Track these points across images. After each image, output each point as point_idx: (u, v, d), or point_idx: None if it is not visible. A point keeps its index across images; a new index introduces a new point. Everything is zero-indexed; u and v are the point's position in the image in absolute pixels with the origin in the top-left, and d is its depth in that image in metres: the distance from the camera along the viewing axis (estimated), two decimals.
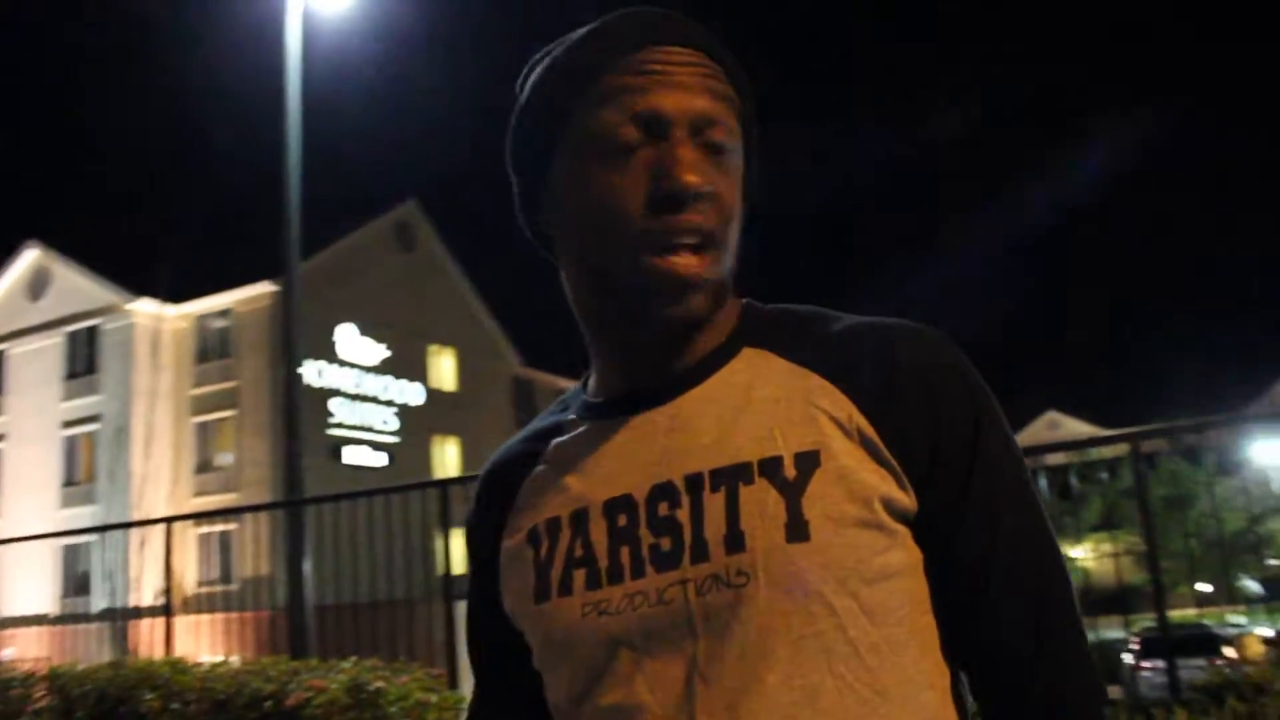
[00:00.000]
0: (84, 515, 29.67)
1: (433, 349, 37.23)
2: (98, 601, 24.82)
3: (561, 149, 0.96)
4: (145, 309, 32.29)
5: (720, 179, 0.92)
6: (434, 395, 36.56)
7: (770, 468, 0.88)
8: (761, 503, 0.87)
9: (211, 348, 32.73)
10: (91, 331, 32.96)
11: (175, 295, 32.43)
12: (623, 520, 0.93)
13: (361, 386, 33.46)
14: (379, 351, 34.35)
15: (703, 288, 0.92)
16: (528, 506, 1.02)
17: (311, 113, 11.04)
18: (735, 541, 0.87)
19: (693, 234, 0.90)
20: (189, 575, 28.44)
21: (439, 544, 5.93)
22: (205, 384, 32.34)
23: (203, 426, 32.36)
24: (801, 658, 0.85)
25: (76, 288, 33.35)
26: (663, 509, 0.91)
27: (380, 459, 33.15)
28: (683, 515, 0.90)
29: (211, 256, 32.38)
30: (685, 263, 0.90)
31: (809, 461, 0.88)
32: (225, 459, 31.76)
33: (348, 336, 33.13)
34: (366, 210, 35.76)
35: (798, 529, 0.86)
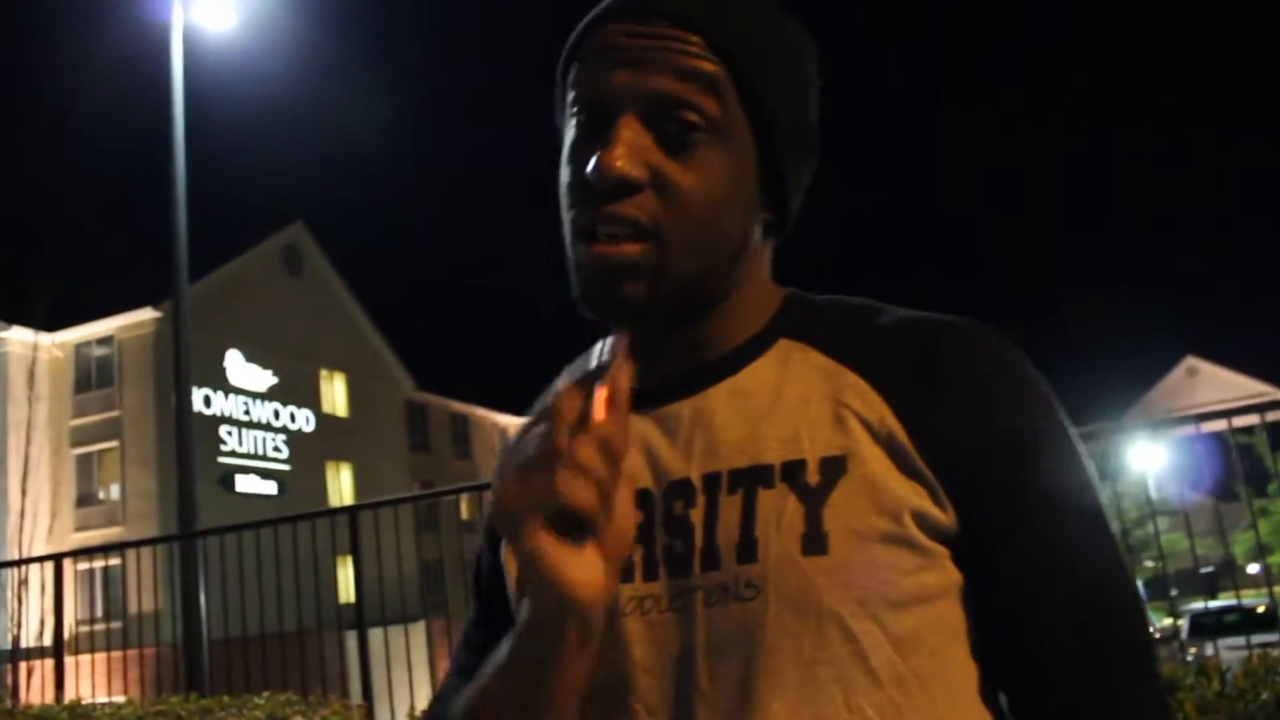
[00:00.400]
0: None
1: (323, 374, 36.56)
2: None
3: None
4: (18, 337, 31.07)
5: (678, 168, 0.82)
6: (326, 421, 35.91)
7: (792, 472, 0.81)
8: (779, 509, 0.80)
9: (92, 377, 31.64)
10: None
11: (51, 323, 31.27)
12: (639, 516, 0.85)
13: (251, 414, 32.73)
14: (267, 378, 33.64)
15: (635, 274, 0.82)
16: None
17: (193, 133, 10.80)
18: (747, 550, 0.80)
19: (619, 224, 0.82)
20: (73, 613, 27.39)
21: (342, 572, 5.83)
22: (86, 414, 31.24)
23: (84, 459, 31.22)
24: (813, 685, 0.77)
25: None
26: (678, 507, 0.84)
27: (272, 487, 32.44)
28: (696, 516, 0.83)
29: (90, 282, 31.31)
30: (608, 248, 0.82)
31: (834, 468, 0.80)
32: (109, 492, 30.73)
33: (236, 363, 32.38)
34: (252, 233, 35.03)
35: (815, 541, 0.78)
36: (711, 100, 0.83)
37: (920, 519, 0.79)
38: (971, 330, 0.85)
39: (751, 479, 0.82)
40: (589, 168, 0.82)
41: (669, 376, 0.90)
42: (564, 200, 0.87)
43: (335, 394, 37.13)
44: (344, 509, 5.72)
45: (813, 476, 0.80)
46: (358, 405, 37.64)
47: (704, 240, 0.84)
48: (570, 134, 0.87)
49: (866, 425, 0.81)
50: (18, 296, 30.58)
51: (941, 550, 0.80)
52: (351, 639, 5.86)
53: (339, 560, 5.78)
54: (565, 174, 0.87)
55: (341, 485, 35.87)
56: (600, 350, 0.99)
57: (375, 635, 5.61)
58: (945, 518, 0.79)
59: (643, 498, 0.86)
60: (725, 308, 0.89)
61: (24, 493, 23.98)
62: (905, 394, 0.82)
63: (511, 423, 48.24)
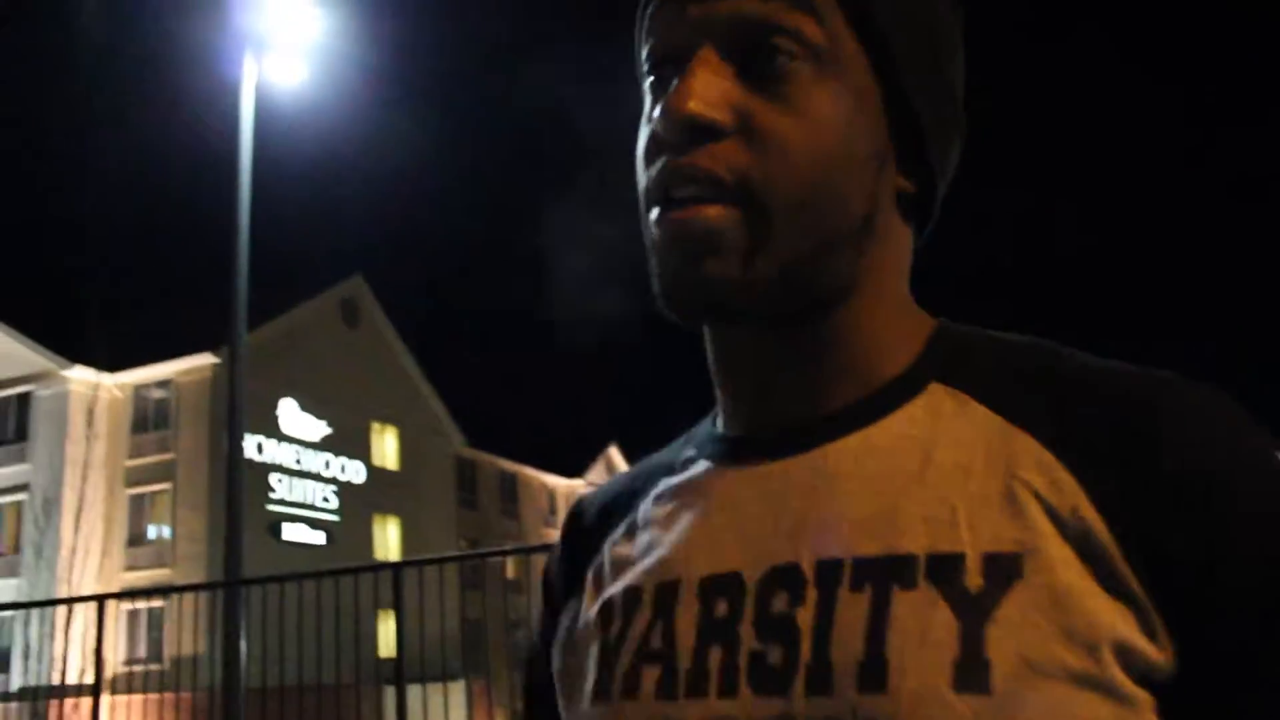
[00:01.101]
0: (7, 588, 28.70)
1: (375, 426, 36.81)
2: (16, 679, 23.93)
3: None
4: (81, 376, 31.65)
5: (769, 107, 0.64)
6: (376, 473, 36.07)
7: (944, 569, 0.59)
8: (924, 620, 0.57)
9: (149, 418, 32.10)
10: (23, 398, 32.17)
11: (113, 364, 31.85)
12: (722, 608, 0.65)
13: (302, 463, 32.98)
14: (320, 428, 33.93)
15: (720, 244, 0.63)
16: (612, 563, 0.75)
17: (258, 184, 10.97)
18: (873, 673, 0.57)
19: (697, 181, 0.63)
20: (115, 653, 27.52)
21: (382, 627, 5.78)
22: (141, 455, 31.63)
23: (137, 499, 31.57)
24: None
25: (10, 353, 32.58)
26: (778, 603, 0.62)
27: (319, 537, 32.58)
28: (804, 617, 0.61)
29: (152, 326, 31.93)
30: (683, 213, 0.64)
31: (1005, 569, 0.58)
32: (159, 533, 31.02)
33: (289, 411, 32.71)
34: (313, 284, 35.57)
35: (973, 671, 0.55)
36: (808, 21, 0.64)
37: (1123, 654, 0.56)
38: (1198, 394, 0.62)
39: (885, 573, 0.60)
40: (655, 115, 0.65)
41: (776, 422, 0.69)
42: (638, 181, 0.68)
43: (386, 447, 37.34)
44: (387, 565, 5.72)
45: (973, 578, 0.58)
46: (408, 459, 37.82)
47: (813, 201, 0.64)
48: (646, 103, 0.70)
49: (1052, 514, 0.59)
50: (82, 337, 31.27)
51: (1146, 698, 0.57)
52: (389, 695, 5.78)
53: (381, 615, 5.73)
54: (638, 147, 0.69)
55: (388, 539, 35.94)
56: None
57: (414, 692, 5.54)
58: (1158, 654, 0.57)
59: (728, 584, 0.65)
60: (853, 323, 0.69)
61: (77, 530, 24.31)
62: (1109, 477, 0.59)
63: (560, 485, 48.25)
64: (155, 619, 28.37)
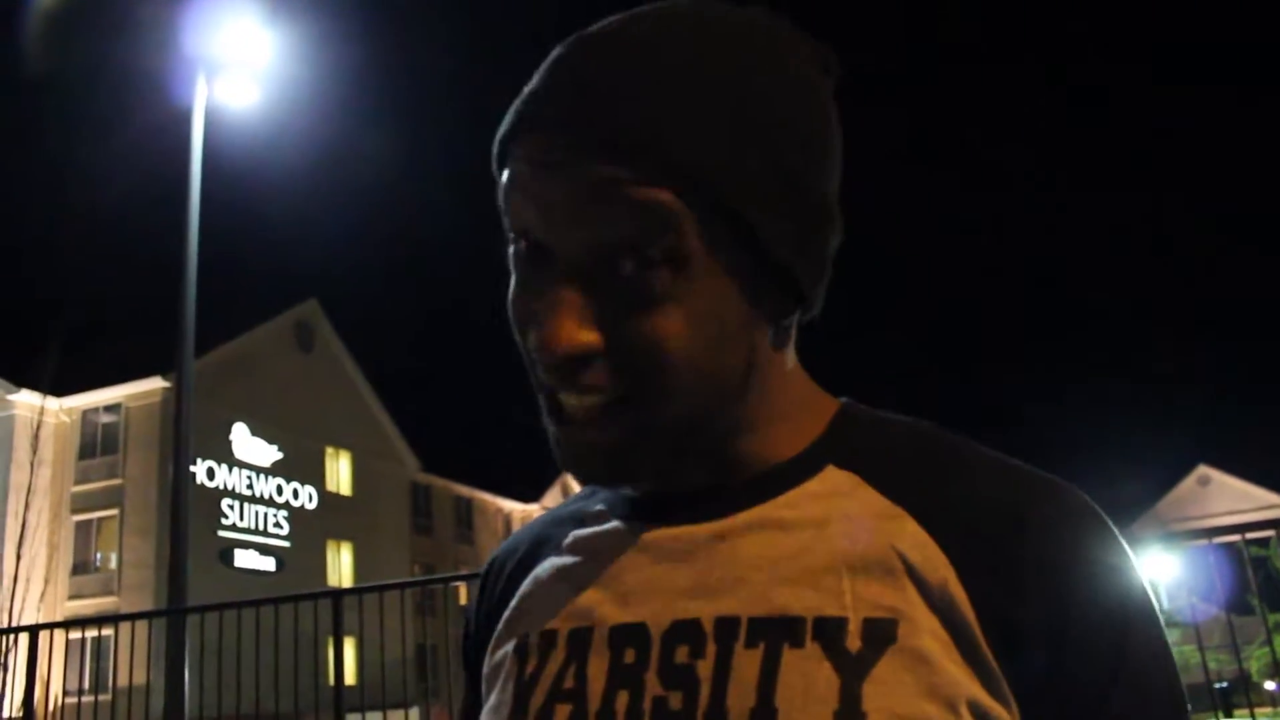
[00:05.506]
0: None
1: (329, 451, 36.51)
2: None
3: None
4: (26, 400, 31.11)
5: (641, 317, 0.66)
6: (329, 498, 35.77)
7: (828, 631, 0.65)
8: (809, 676, 0.64)
9: (97, 443, 31.61)
10: None
11: (60, 388, 31.33)
12: (630, 655, 0.70)
13: (254, 488, 32.61)
14: (272, 452, 33.58)
15: (616, 455, 0.70)
16: (527, 609, 0.80)
17: (211, 207, 10.89)
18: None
19: (582, 393, 0.68)
20: (56, 683, 26.98)
21: (330, 654, 5.70)
22: (88, 481, 31.14)
23: (84, 525, 31.04)
24: None
25: None
26: (680, 654, 0.68)
27: (270, 563, 32.20)
28: (704, 669, 0.67)
29: (102, 350, 31.47)
30: (578, 436, 0.70)
31: (881, 633, 0.65)
32: (106, 560, 30.50)
33: (242, 436, 32.35)
34: (267, 307, 35.26)
35: None
36: (671, 235, 0.65)
37: (976, 711, 0.64)
38: (1066, 496, 0.70)
39: (776, 632, 0.66)
40: (532, 344, 0.69)
41: (687, 488, 0.75)
42: (517, 338, 0.73)
43: (340, 472, 37.04)
44: (328, 592, 5.63)
45: (853, 641, 0.65)
46: (362, 484, 37.53)
47: (693, 386, 0.68)
48: (510, 249, 0.72)
49: (922, 586, 0.66)
50: (28, 361, 30.73)
51: None
52: None
53: (336, 641, 5.65)
54: (511, 307, 0.73)
55: (341, 564, 35.61)
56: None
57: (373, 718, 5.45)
58: (1003, 713, 0.65)
59: (635, 634, 0.71)
60: (750, 424, 0.74)
61: (19, 558, 23.84)
62: (976, 559, 0.67)
63: (515, 508, 48.05)
64: (102, 648, 27.86)
